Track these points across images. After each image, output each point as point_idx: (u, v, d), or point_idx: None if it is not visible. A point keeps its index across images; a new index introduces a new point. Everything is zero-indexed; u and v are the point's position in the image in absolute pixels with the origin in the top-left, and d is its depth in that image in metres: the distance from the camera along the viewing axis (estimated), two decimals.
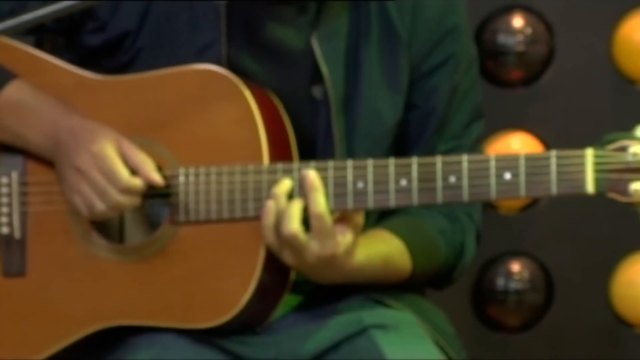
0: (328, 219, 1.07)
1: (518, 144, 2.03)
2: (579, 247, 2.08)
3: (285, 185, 1.09)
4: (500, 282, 2.12)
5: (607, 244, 2.13)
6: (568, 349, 2.09)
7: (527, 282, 2.12)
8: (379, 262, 1.18)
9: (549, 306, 2.12)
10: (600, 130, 1.99)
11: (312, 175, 1.07)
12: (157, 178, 1.13)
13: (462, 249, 1.28)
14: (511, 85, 2.04)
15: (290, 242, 1.07)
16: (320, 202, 1.06)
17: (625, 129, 0.99)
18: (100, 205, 1.12)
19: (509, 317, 2.15)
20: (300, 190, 1.09)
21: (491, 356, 2.01)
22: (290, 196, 1.09)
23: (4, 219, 1.23)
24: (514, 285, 2.13)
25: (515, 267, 2.12)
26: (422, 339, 1.20)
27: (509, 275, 2.13)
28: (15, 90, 1.21)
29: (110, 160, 1.11)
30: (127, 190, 1.12)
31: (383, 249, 1.18)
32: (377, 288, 1.24)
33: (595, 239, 2.13)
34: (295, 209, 1.07)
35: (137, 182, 1.12)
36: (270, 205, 1.08)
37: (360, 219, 1.11)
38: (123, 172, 1.11)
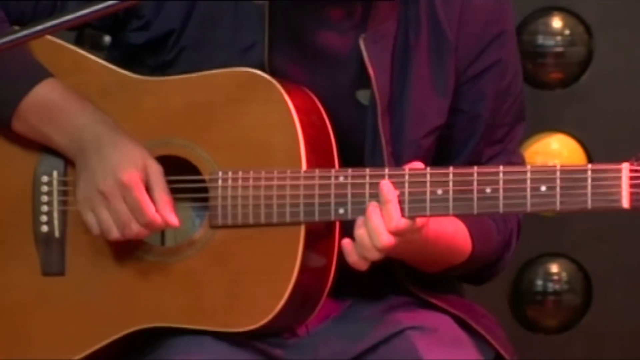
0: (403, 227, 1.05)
1: (556, 145, 2.02)
2: (617, 249, 2.06)
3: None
4: (538, 283, 2.12)
5: None
6: (606, 350, 2.08)
7: (565, 283, 2.12)
8: (445, 240, 1.16)
9: (587, 307, 2.11)
10: (638, 131, 1.98)
11: (386, 187, 1.05)
12: (174, 221, 1.13)
13: (509, 239, 1.27)
14: (550, 87, 2.03)
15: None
16: (394, 215, 1.04)
17: None
18: (115, 234, 1.13)
19: (547, 318, 2.14)
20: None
21: (529, 357, 2.00)
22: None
23: (44, 218, 1.22)
24: (552, 286, 2.12)
25: (554, 268, 2.12)
26: (461, 341, 1.20)
27: (547, 276, 2.12)
28: (47, 89, 1.20)
29: (139, 194, 1.11)
30: (148, 225, 1.12)
31: (449, 227, 1.16)
32: (426, 287, 1.24)
33: (634, 240, 2.11)
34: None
35: (158, 220, 1.12)
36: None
37: None
38: (149, 208, 1.11)
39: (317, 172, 1.12)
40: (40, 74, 1.21)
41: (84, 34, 1.37)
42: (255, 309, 1.14)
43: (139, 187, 1.11)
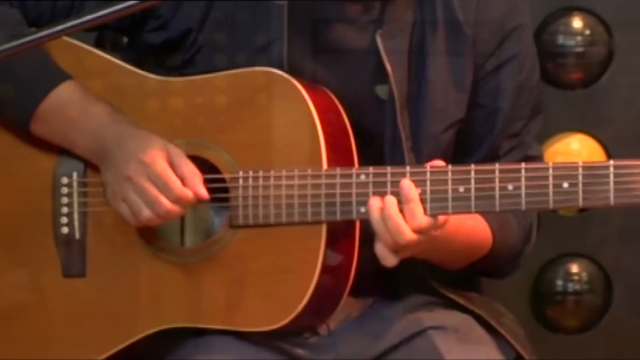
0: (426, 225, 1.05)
1: (577, 145, 2.01)
2: (638, 249, 2.05)
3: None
4: (559, 283, 2.11)
5: None
6: (626, 350, 2.06)
7: (585, 283, 2.10)
8: (465, 234, 1.16)
9: (607, 307, 2.09)
10: None
11: (407, 185, 1.05)
12: (203, 192, 1.13)
13: (529, 232, 1.27)
14: (570, 87, 2.02)
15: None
16: (417, 214, 1.04)
17: None
18: (147, 213, 1.12)
19: (567, 318, 2.13)
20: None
21: (549, 357, 1.99)
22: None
23: (64, 219, 1.22)
24: (572, 286, 2.11)
25: (574, 268, 2.11)
26: (482, 341, 1.21)
27: (567, 276, 2.11)
28: (66, 91, 1.20)
29: (162, 169, 1.11)
30: (178, 200, 1.11)
31: (469, 222, 1.16)
32: (447, 286, 1.24)
33: None
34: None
35: (189, 193, 1.11)
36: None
37: None
38: (176, 182, 1.11)
39: (338, 170, 1.12)
40: (58, 76, 1.22)
41: (104, 36, 1.37)
42: (277, 308, 1.14)
43: (161, 162, 1.11)
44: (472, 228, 1.17)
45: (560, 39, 1.99)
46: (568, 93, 2.00)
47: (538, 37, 1.92)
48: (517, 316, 1.35)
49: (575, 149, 1.99)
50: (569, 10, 2.00)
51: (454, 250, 1.18)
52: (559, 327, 2.10)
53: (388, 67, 1.17)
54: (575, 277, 2.09)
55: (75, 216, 1.23)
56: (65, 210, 1.23)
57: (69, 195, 1.23)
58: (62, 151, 1.24)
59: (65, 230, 1.23)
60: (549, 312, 2.11)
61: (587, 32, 2.00)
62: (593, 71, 1.99)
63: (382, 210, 1.05)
